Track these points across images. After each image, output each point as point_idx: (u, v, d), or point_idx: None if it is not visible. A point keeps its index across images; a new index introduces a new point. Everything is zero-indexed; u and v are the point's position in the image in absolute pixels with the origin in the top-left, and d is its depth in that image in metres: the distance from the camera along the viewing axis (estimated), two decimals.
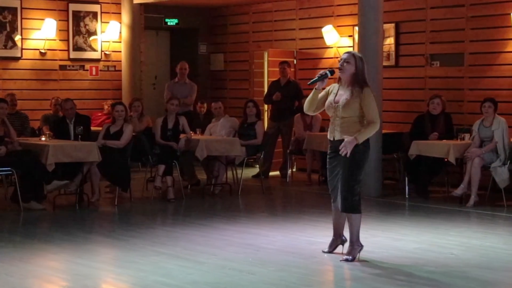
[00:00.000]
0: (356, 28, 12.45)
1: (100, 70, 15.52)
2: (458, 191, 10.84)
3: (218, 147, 11.60)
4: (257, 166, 13.51)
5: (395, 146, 12.28)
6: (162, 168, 11.25)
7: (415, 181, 11.52)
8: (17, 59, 14.66)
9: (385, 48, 12.91)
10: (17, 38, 14.56)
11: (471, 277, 6.93)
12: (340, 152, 7.29)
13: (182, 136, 11.72)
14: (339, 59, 7.67)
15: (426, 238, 8.65)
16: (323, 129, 12.91)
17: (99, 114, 14.96)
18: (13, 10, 14.53)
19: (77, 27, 15.21)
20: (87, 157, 10.56)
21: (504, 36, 12.10)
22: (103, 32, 15.44)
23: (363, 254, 7.52)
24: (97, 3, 15.41)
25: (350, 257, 7.42)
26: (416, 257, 7.66)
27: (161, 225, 9.74)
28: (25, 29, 14.69)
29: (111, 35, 15.45)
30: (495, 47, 12.22)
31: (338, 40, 14.15)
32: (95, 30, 15.39)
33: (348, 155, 7.25)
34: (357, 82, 7.40)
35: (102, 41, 15.46)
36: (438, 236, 8.75)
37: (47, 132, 11.48)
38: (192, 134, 11.84)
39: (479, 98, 11.60)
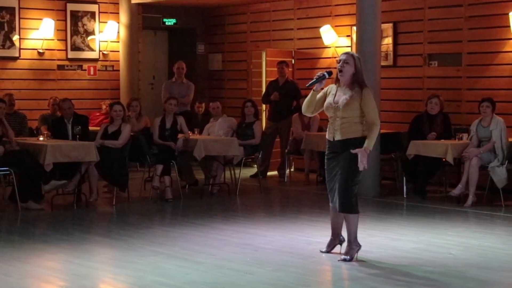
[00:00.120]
0: (354, 28, 12.45)
1: (98, 70, 15.52)
2: (456, 191, 10.84)
3: (216, 147, 11.59)
4: (255, 166, 13.51)
5: (393, 146, 12.28)
6: (160, 168, 11.25)
7: (413, 181, 11.53)
8: (15, 59, 14.65)
9: (383, 48, 12.92)
10: (15, 38, 14.55)
11: (469, 277, 6.93)
12: (360, 169, 7.29)
13: (180, 136, 11.72)
14: (337, 59, 7.67)
15: (424, 238, 8.65)
16: (321, 129, 12.91)
17: (97, 114, 14.95)
18: (11, 10, 14.52)
19: (75, 27, 15.20)
20: (85, 157, 10.55)
21: (502, 36, 12.11)
22: (101, 32, 15.44)
23: (361, 254, 7.52)
24: (95, 3, 15.40)
25: (348, 257, 7.43)
26: (414, 257, 7.66)
27: (159, 225, 9.73)
28: (23, 29, 14.68)
29: (109, 35, 15.44)
30: (493, 47, 12.23)
31: (336, 40, 14.15)
32: (93, 30, 15.38)
33: (366, 167, 7.26)
34: (357, 82, 7.40)
35: (100, 41, 15.46)
36: (436, 236, 8.76)
37: (45, 132, 11.47)
38: (190, 134, 11.84)
39: (477, 98, 11.60)
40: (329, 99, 7.50)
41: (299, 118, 13.35)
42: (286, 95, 13.74)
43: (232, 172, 12.36)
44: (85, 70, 15.39)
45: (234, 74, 16.23)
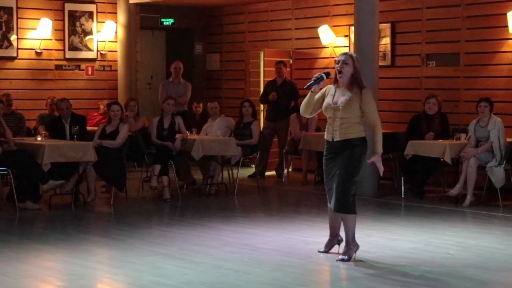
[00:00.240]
0: (352, 28, 12.44)
1: (96, 70, 15.51)
2: (454, 191, 10.84)
3: (214, 147, 11.59)
4: (253, 166, 13.52)
5: (391, 146, 12.26)
6: (158, 168, 11.25)
7: (411, 181, 11.53)
8: (12, 58, 14.64)
9: (381, 48, 12.92)
10: (13, 37, 14.54)
11: (467, 277, 6.94)
12: (381, 174, 7.49)
13: (178, 136, 11.72)
14: (335, 59, 7.67)
15: (422, 238, 8.65)
16: (319, 129, 12.92)
17: (95, 114, 14.95)
18: (8, 10, 14.51)
19: (73, 27, 15.20)
20: (83, 157, 10.55)
21: (500, 36, 12.11)
22: (99, 31, 15.43)
23: (359, 254, 7.52)
24: (93, 2, 15.40)
25: (346, 257, 7.42)
26: (412, 257, 7.66)
27: (157, 225, 9.73)
28: (20, 29, 14.67)
29: (107, 35, 15.44)
30: (491, 47, 12.24)
31: (334, 40, 14.15)
32: (91, 30, 15.38)
33: (383, 169, 7.45)
34: (356, 82, 7.40)
35: (98, 41, 15.45)
36: (434, 236, 8.76)
37: (43, 132, 11.47)
38: (188, 134, 11.83)
39: (475, 98, 11.61)
40: (328, 100, 7.49)
41: (297, 118, 13.34)
42: (284, 95, 13.74)
43: (230, 172, 12.35)
44: (83, 70, 15.38)
45: (232, 74, 16.23)
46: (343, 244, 7.60)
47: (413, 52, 13.14)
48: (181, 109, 13.17)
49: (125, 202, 11.12)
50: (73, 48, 15.21)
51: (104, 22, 15.42)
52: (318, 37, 14.27)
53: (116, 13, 15.48)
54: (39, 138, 11.12)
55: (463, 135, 11.22)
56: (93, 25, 15.38)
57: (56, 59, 15.09)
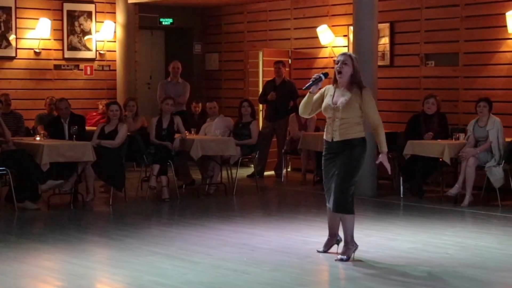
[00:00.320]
0: (351, 27, 12.45)
1: (95, 70, 15.51)
2: (453, 191, 10.85)
3: (213, 147, 11.59)
4: (252, 165, 13.51)
5: (390, 145, 12.23)
6: (156, 167, 11.25)
7: (410, 180, 11.53)
8: (11, 58, 14.64)
9: (380, 48, 12.91)
10: (12, 37, 14.54)
11: (465, 276, 6.94)
12: (389, 173, 7.61)
13: (177, 135, 11.72)
14: (334, 59, 7.66)
15: (421, 237, 8.65)
16: (318, 129, 12.92)
17: (94, 113, 14.95)
18: (7, 10, 14.51)
19: (71, 27, 15.20)
20: (82, 157, 10.54)
21: (499, 36, 12.11)
22: (98, 31, 15.43)
23: (358, 254, 7.52)
24: (92, 2, 15.39)
25: (345, 256, 7.42)
26: (411, 257, 7.67)
27: (156, 225, 9.73)
28: (19, 29, 14.67)
29: (105, 35, 15.43)
30: (490, 46, 12.24)
31: (332, 39, 14.15)
32: (90, 30, 15.38)
33: (391, 167, 7.63)
34: (355, 82, 7.40)
35: (96, 41, 15.45)
36: (432, 235, 8.76)
37: (42, 132, 11.47)
38: (187, 134, 11.83)
39: (474, 97, 11.61)
40: (327, 100, 7.48)
41: (296, 118, 13.34)
42: (283, 95, 13.74)
43: (229, 172, 12.34)
44: (82, 70, 15.38)
45: (231, 74, 16.23)
46: (342, 244, 7.60)
47: (412, 52, 13.14)
48: (179, 109, 13.16)
49: (124, 202, 11.11)
50: (72, 48, 15.21)
51: (103, 22, 15.42)
52: (317, 37, 14.27)
53: (115, 13, 15.48)
54: (38, 138, 11.11)
55: (462, 135, 11.22)
56: (92, 25, 15.38)
57: (55, 59, 15.09)
